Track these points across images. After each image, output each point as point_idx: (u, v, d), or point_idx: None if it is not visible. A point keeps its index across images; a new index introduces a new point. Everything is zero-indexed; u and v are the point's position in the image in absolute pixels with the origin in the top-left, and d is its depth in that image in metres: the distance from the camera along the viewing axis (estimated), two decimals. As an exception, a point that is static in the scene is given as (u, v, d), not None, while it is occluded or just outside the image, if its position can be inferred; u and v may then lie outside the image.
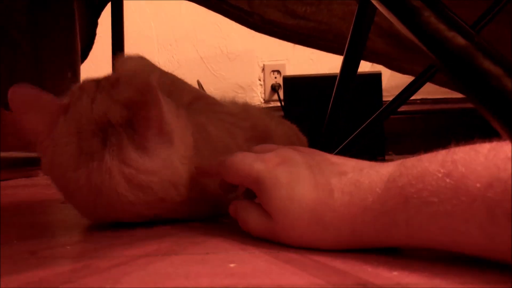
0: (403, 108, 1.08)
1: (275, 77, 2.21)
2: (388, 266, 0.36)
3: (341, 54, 0.87)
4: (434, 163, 0.34)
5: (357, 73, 0.88)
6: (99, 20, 1.12)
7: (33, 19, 0.87)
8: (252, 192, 0.48)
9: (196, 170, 0.55)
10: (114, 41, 1.17)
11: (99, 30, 1.12)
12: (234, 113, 0.70)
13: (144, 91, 0.49)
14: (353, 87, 0.88)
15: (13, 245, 0.49)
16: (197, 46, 2.25)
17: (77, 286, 0.35)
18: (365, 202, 0.38)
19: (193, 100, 0.68)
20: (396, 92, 1.01)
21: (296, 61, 2.19)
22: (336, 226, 0.39)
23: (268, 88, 2.22)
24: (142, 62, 0.68)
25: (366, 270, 0.35)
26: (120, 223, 0.55)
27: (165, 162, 0.52)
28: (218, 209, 0.58)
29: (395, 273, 0.34)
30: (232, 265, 0.38)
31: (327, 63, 2.06)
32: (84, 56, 1.10)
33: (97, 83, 0.55)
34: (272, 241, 0.44)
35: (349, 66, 0.87)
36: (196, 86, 1.83)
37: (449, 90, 1.66)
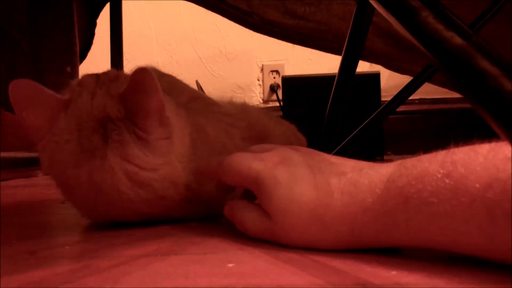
0: (401, 108, 1.08)
1: (274, 77, 2.21)
2: (387, 266, 0.36)
3: (340, 54, 0.87)
4: (434, 163, 0.34)
5: (356, 73, 0.88)
6: (98, 20, 1.12)
7: (33, 19, 0.87)
8: (249, 194, 0.48)
9: (194, 171, 0.55)
10: (113, 41, 1.17)
11: (97, 30, 1.12)
12: (231, 113, 0.70)
13: (142, 79, 0.49)
14: (351, 87, 0.88)
15: (13, 245, 0.49)
16: (196, 46, 2.25)
17: (77, 286, 0.35)
18: (365, 202, 0.38)
19: (190, 100, 0.68)
20: (395, 92, 1.01)
21: (295, 61, 2.19)
22: (335, 226, 0.39)
23: (267, 88, 2.22)
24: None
25: (365, 270, 0.35)
26: (120, 223, 0.55)
27: (165, 158, 0.52)
28: (215, 209, 0.58)
29: (393, 272, 0.34)
30: (231, 265, 0.38)
31: (326, 63, 2.06)
32: (83, 56, 1.10)
33: (97, 78, 0.55)
34: (270, 241, 0.44)
35: (348, 66, 0.87)
36: (195, 86, 1.84)
37: (447, 90, 1.66)
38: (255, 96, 2.24)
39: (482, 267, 0.33)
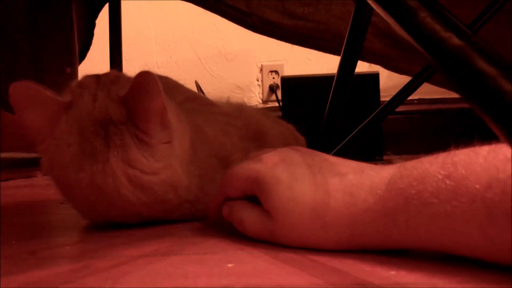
0: (400, 108, 1.08)
1: (273, 78, 2.21)
2: (386, 266, 0.36)
3: (339, 54, 0.87)
4: (435, 165, 0.34)
5: (355, 73, 0.88)
6: (97, 21, 1.12)
7: (33, 19, 0.87)
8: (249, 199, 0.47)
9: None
10: (112, 41, 1.17)
11: (97, 31, 1.12)
12: (228, 113, 0.70)
13: (145, 82, 0.49)
14: (351, 87, 0.88)
15: (13, 245, 0.49)
16: (195, 46, 2.25)
17: (76, 286, 0.35)
18: (365, 202, 0.38)
19: (186, 100, 0.68)
20: (394, 92, 1.01)
21: (294, 61, 2.19)
22: (336, 226, 0.39)
23: (266, 89, 2.22)
24: None
25: (364, 269, 0.35)
26: (120, 223, 0.55)
27: (166, 162, 0.52)
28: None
29: (392, 272, 0.34)
30: (230, 265, 0.38)
31: (325, 64, 2.06)
32: (82, 56, 1.10)
33: (97, 80, 0.54)
34: (269, 241, 0.44)
35: (347, 66, 0.87)
36: (194, 86, 1.84)
37: (446, 90, 1.66)
38: (254, 97, 2.24)
39: (481, 267, 0.33)
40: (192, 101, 0.69)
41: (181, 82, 0.75)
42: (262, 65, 2.23)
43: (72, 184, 0.51)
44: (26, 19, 0.86)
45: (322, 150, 0.49)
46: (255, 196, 0.45)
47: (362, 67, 1.73)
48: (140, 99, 0.50)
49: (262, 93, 2.24)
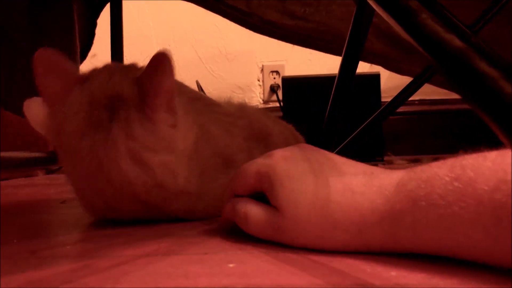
0: (401, 108, 1.08)
1: (274, 78, 2.21)
2: (387, 267, 0.36)
3: (340, 54, 0.87)
4: (443, 168, 0.35)
5: (356, 73, 0.88)
6: (98, 21, 1.12)
7: (33, 19, 0.87)
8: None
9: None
10: (113, 41, 1.17)
11: (98, 31, 1.12)
12: (231, 113, 0.71)
13: (161, 60, 0.51)
14: (351, 88, 0.88)
15: (13, 245, 0.49)
16: (195, 46, 2.25)
17: (77, 285, 0.35)
18: (373, 203, 0.38)
19: (189, 100, 0.68)
20: (395, 93, 1.02)
21: (295, 61, 2.19)
22: (344, 225, 0.39)
23: (267, 89, 2.22)
24: None
25: (365, 270, 0.35)
26: (120, 222, 0.55)
27: (167, 144, 0.53)
28: (213, 211, 0.58)
29: (393, 273, 0.34)
30: (231, 265, 0.38)
31: (326, 64, 2.06)
32: (83, 56, 1.10)
33: (121, 66, 0.57)
34: (272, 241, 0.44)
35: (348, 66, 0.87)
36: (195, 86, 1.84)
37: (447, 91, 1.66)
38: (255, 97, 2.24)
39: (482, 268, 0.33)
40: (196, 101, 0.69)
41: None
42: (263, 65, 2.23)
43: (74, 152, 0.52)
44: (26, 19, 0.86)
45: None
46: (260, 196, 0.45)
47: (363, 67, 1.73)
48: (153, 75, 0.51)
49: (263, 93, 2.24)
